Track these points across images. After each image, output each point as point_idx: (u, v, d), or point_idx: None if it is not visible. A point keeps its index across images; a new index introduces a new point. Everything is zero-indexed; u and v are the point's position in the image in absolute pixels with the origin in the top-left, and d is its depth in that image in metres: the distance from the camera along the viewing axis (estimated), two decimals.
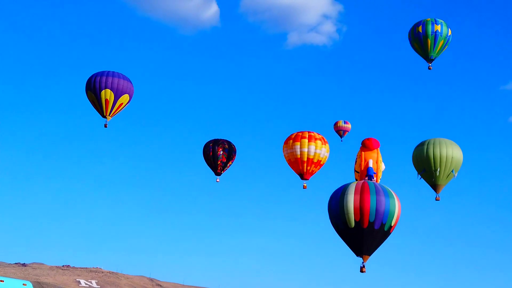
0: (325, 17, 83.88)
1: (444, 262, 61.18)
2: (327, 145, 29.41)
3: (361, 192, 19.09)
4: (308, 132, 29.37)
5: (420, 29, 30.19)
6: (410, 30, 31.06)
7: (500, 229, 62.28)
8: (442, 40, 30.27)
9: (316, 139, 29.13)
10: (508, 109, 73.48)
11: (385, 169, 21.87)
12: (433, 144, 27.29)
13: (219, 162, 33.84)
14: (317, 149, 28.99)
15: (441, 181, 27.51)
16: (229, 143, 34.27)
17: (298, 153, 29.09)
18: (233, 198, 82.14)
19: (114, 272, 71.50)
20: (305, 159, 29.11)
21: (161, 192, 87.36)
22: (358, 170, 21.57)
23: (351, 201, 19.05)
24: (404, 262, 61.53)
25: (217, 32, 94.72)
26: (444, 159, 27.00)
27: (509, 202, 63.97)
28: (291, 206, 75.22)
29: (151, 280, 72.89)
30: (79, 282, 65.16)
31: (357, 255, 20.00)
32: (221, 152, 33.65)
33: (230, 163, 34.25)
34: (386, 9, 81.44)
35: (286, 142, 30.07)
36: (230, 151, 34.04)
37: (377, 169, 21.49)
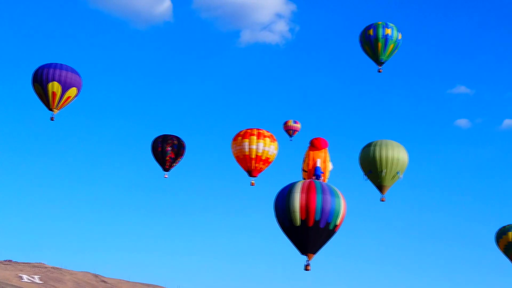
0: (278, 16, 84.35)
1: (387, 262, 62.41)
2: (275, 142, 29.46)
3: (308, 191, 19.16)
4: (257, 129, 29.36)
5: (371, 32, 30.60)
6: (361, 33, 31.42)
7: (442, 230, 63.85)
8: (393, 44, 30.75)
9: (265, 136, 29.15)
10: (455, 113, 75.56)
11: (332, 169, 21.99)
12: (380, 145, 27.67)
13: (167, 158, 33.52)
14: (266, 146, 29.02)
15: (387, 182, 27.92)
16: (178, 139, 33.99)
17: (247, 150, 29.06)
18: (181, 194, 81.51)
19: (57, 268, 69.86)
20: (254, 156, 29.10)
21: (107, 188, 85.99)
22: (306, 169, 21.62)
23: (297, 199, 19.09)
24: (349, 261, 62.55)
25: (169, 27, 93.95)
26: (390, 161, 27.41)
27: (452, 203, 65.73)
28: (238, 203, 75.28)
29: (96, 276, 71.58)
30: (21, 277, 63.39)
31: (302, 253, 20.11)
32: (170, 148, 33.36)
33: (178, 159, 33.99)
34: (338, 10, 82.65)
35: (235, 139, 29.98)
36: (179, 147, 33.75)
37: (324, 169, 21.58)
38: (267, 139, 29.15)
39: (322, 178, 21.22)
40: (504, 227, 34.62)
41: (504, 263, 34.61)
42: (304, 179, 20.83)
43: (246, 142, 29.08)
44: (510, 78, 72.99)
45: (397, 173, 27.69)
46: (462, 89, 72.57)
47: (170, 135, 34.13)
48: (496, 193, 66.30)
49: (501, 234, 34.45)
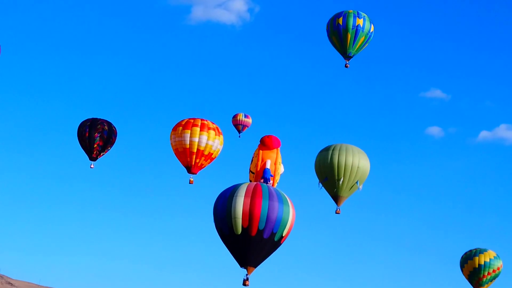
0: None
1: (339, 283, 63.11)
2: (221, 136, 29.40)
3: (252, 195, 19.02)
4: (201, 119, 29.18)
5: (340, 21, 30.89)
6: (329, 21, 31.65)
7: (404, 251, 65.04)
8: (363, 36, 31.15)
9: (209, 128, 29.00)
10: (427, 119, 76.90)
11: (284, 172, 22.11)
12: (339, 150, 27.94)
13: (95, 146, 33.20)
14: (210, 140, 28.92)
15: (344, 192, 28.26)
16: (109, 124, 33.71)
17: (187, 142, 28.89)
18: (108, 188, 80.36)
19: None
20: (195, 150, 28.96)
21: (22, 177, 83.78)
22: (254, 171, 21.64)
23: (240, 204, 18.97)
24: (294, 278, 62.97)
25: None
26: (349, 168, 27.73)
27: (416, 221, 67.02)
28: (173, 203, 74.65)
29: (1, 277, 70.60)
30: None
31: (241, 266, 20.02)
32: (99, 134, 33.07)
33: (108, 147, 33.73)
34: None
35: (174, 129, 29.70)
36: (110, 134, 33.51)
37: (274, 172, 21.68)
38: (212, 132, 29.04)
39: (271, 181, 21.30)
40: (470, 251, 35.66)
41: None
42: (250, 181, 20.85)
43: (187, 133, 28.90)
44: (490, 85, 74.96)
45: (356, 183, 28.06)
46: (437, 93, 74.32)
47: (100, 119, 33.71)
48: (465, 212, 68.07)
49: (466, 259, 35.50)
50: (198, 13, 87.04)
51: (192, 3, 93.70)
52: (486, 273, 34.96)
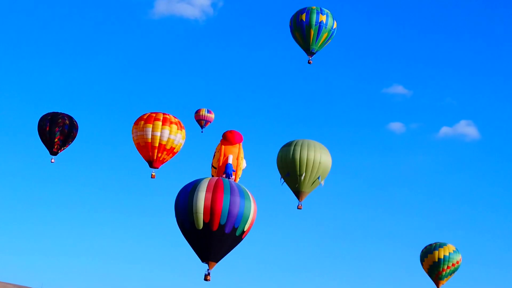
0: None
1: (299, 277, 63.28)
2: (183, 131, 29.24)
3: (214, 190, 18.97)
4: (163, 114, 28.99)
5: (303, 17, 30.97)
6: (292, 17, 31.75)
7: (365, 245, 65.50)
8: (326, 33, 31.26)
9: (171, 122, 28.80)
10: (389, 115, 77.30)
11: (246, 167, 22.12)
12: (301, 145, 28.05)
13: (56, 140, 32.86)
14: (172, 134, 28.76)
15: (306, 187, 28.38)
16: (70, 118, 33.41)
17: (149, 137, 28.70)
18: (69, 183, 79.08)
19: None
20: (157, 145, 28.79)
21: None
22: (216, 166, 21.59)
23: (201, 199, 18.89)
24: (255, 272, 62.93)
25: None
26: (311, 164, 27.86)
27: (377, 216, 67.57)
28: (135, 197, 73.86)
29: None
30: None
31: (202, 261, 19.97)
32: (60, 129, 32.75)
33: (69, 142, 33.42)
34: None
35: (136, 123, 29.42)
36: (71, 128, 33.20)
37: (237, 167, 21.68)
38: (174, 126, 28.87)
39: (233, 176, 21.29)
40: (430, 245, 36.11)
41: (428, 284, 36.18)
42: (213, 176, 20.80)
43: (149, 127, 28.71)
44: (451, 82, 75.88)
45: (318, 178, 28.20)
46: (399, 89, 74.76)
47: (61, 113, 33.35)
48: (426, 207, 68.87)
49: (426, 253, 35.93)
50: (161, 8, 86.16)
51: None
52: (445, 267, 35.38)
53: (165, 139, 28.77)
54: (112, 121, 76.12)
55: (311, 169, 27.85)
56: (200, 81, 79.44)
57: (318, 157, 27.94)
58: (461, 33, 77.88)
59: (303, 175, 27.83)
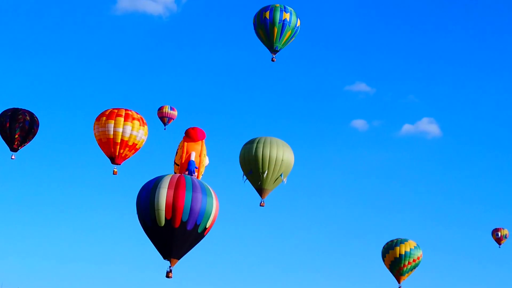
0: None
1: (260, 273, 63.38)
2: (145, 127, 29.07)
3: (176, 187, 18.88)
4: (125, 110, 28.74)
5: (267, 15, 30.98)
6: (256, 15, 31.68)
7: (328, 241, 65.90)
8: (290, 31, 31.32)
9: (134, 118, 28.60)
10: (352, 112, 77.85)
11: (208, 164, 22.08)
12: (264, 143, 28.08)
13: (16, 136, 32.46)
14: (134, 130, 28.58)
15: (268, 185, 28.44)
16: (31, 114, 33.05)
17: (111, 133, 28.47)
18: (30, 180, 77.92)
19: None
20: (118, 141, 28.57)
21: None
22: (178, 163, 21.50)
23: (163, 196, 18.80)
24: (217, 269, 62.86)
25: None
26: (273, 161, 27.91)
27: (340, 212, 68.04)
28: (97, 193, 73.01)
29: None
30: None
31: (164, 258, 19.87)
32: (20, 125, 32.39)
33: (30, 138, 33.05)
34: None
35: (98, 119, 29.12)
36: (32, 124, 32.85)
37: (199, 164, 21.62)
38: (136, 122, 28.68)
39: (195, 173, 21.24)
40: (391, 241, 36.50)
41: (389, 280, 36.59)
42: (175, 173, 20.71)
43: (111, 123, 28.46)
44: (413, 80, 76.80)
45: (281, 175, 28.28)
46: (362, 86, 75.32)
47: (22, 109, 32.94)
48: (387, 203, 69.62)
49: (387, 249, 36.31)
50: (124, 3, 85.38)
51: None
52: (406, 263, 35.75)
53: (127, 135, 28.56)
54: (73, 117, 75.20)
55: (273, 166, 27.89)
56: (163, 77, 79.00)
57: (280, 154, 28.00)
58: (423, 31, 78.90)
59: (266, 172, 27.87)
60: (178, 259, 19.98)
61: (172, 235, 19.19)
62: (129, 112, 28.74)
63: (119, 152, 28.84)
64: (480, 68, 76.31)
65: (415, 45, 78.34)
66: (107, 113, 28.80)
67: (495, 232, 49.46)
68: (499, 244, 49.37)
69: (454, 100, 75.20)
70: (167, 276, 20.01)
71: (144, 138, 29.13)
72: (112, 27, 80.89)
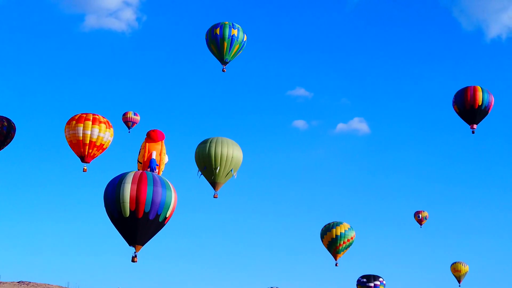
0: (126, 3, 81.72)
1: (215, 254, 63.47)
2: (111, 129, 28.62)
3: (139, 182, 18.71)
4: (93, 114, 28.22)
5: (217, 31, 30.78)
6: (207, 31, 31.41)
7: (274, 228, 66.33)
8: (238, 45, 31.20)
9: (100, 122, 28.11)
10: (293, 114, 78.79)
11: (168, 162, 21.89)
12: (216, 142, 28.00)
13: None
14: (101, 132, 28.13)
15: (220, 179, 28.33)
16: (8, 120, 32.16)
17: (81, 135, 27.98)
18: (9, 179, 76.22)
19: None
20: (87, 142, 28.08)
21: None
22: (141, 161, 21.28)
23: (127, 190, 18.58)
24: (177, 253, 62.63)
25: (7, 6, 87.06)
26: (224, 158, 27.83)
27: (284, 202, 68.52)
28: (69, 189, 71.85)
29: None
30: None
31: (129, 245, 19.63)
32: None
33: (8, 141, 32.14)
34: (187, 5, 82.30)
35: (68, 123, 28.50)
36: (9, 129, 31.91)
37: (160, 161, 21.42)
38: (103, 125, 28.21)
39: (156, 170, 21.04)
40: (328, 224, 36.83)
41: (327, 257, 36.92)
42: (138, 170, 20.45)
43: (80, 127, 27.95)
44: (345, 84, 77.97)
45: (231, 171, 28.23)
46: (301, 91, 76.08)
47: (0, 116, 32.11)
48: (325, 191, 70.45)
49: (325, 231, 36.62)
50: (91, 21, 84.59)
51: (86, 12, 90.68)
52: (342, 242, 36.11)
53: (95, 136, 28.08)
54: (46, 122, 73.78)
55: (224, 163, 27.82)
56: (127, 86, 78.26)
57: (230, 152, 27.94)
58: (353, 41, 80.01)
59: (218, 168, 27.77)
60: (142, 245, 19.77)
61: (136, 224, 18.98)
62: (96, 116, 28.23)
63: (88, 152, 28.31)
64: (403, 74, 77.90)
65: (346, 55, 79.49)
66: (76, 117, 28.25)
67: (416, 214, 50.27)
68: (421, 224, 50.21)
69: (381, 102, 76.74)
70: (133, 261, 19.80)
71: (110, 139, 28.66)
72: (81, 42, 79.74)
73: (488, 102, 31.94)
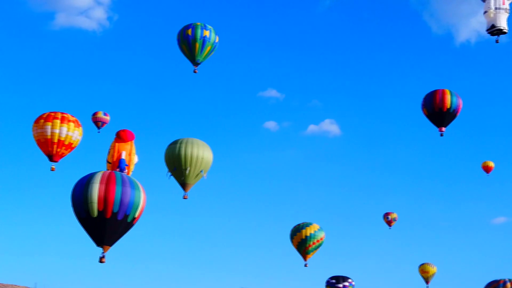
0: (97, 2, 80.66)
1: (185, 255, 63.26)
2: (80, 128, 28.32)
3: (107, 182, 18.58)
4: (61, 113, 27.92)
5: (189, 32, 30.60)
6: (179, 32, 31.16)
7: (243, 229, 66.34)
8: (210, 46, 31.06)
9: (69, 121, 27.77)
10: (264, 115, 78.83)
11: (137, 162, 21.80)
12: (186, 143, 27.86)
13: None
14: (69, 131, 27.79)
15: (190, 180, 28.21)
16: None
17: (49, 133, 27.67)
18: None
19: None
20: (56, 141, 27.75)
21: None
22: (110, 161, 21.19)
23: (95, 190, 18.46)
24: (146, 254, 62.27)
25: None
26: (194, 159, 27.75)
27: (254, 203, 68.65)
28: (37, 188, 70.72)
29: None
30: None
31: (97, 245, 19.53)
32: None
33: None
34: (159, 5, 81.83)
35: (36, 121, 28.03)
36: None
37: (129, 162, 21.34)
38: (72, 124, 27.88)
39: (126, 170, 20.95)
40: (298, 225, 36.92)
41: (297, 258, 37.02)
42: (108, 170, 20.31)
43: (49, 125, 27.59)
44: (316, 87, 78.40)
45: (201, 172, 28.15)
46: (273, 92, 76.12)
47: None
48: (296, 193, 70.74)
49: (295, 232, 36.70)
50: (61, 20, 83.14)
51: (56, 10, 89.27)
52: (311, 243, 36.14)
53: (63, 135, 27.74)
54: (14, 121, 72.65)
55: (194, 163, 27.70)
56: (97, 86, 77.47)
57: (200, 153, 27.82)
58: (324, 43, 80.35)
59: (188, 169, 27.65)
60: (110, 246, 19.67)
61: (104, 224, 18.87)
62: (65, 115, 27.86)
63: (56, 151, 27.96)
64: (374, 76, 78.55)
65: (318, 57, 79.82)
66: (45, 116, 27.86)
67: (386, 215, 50.68)
68: (390, 226, 50.64)
69: (351, 104, 77.15)
70: (100, 261, 19.70)
71: (79, 138, 28.35)
72: (51, 41, 78.67)
73: (456, 106, 32.31)
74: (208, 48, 30.98)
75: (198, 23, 30.72)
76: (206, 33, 30.64)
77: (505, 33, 26.05)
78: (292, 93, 77.07)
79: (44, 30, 79.28)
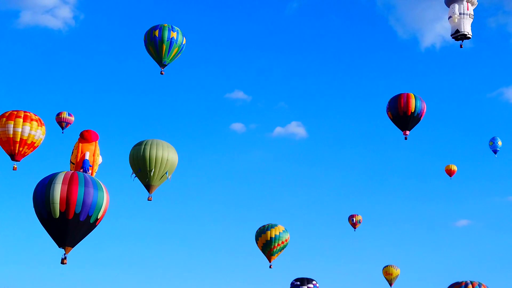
0: (63, 1, 79.69)
1: (148, 258, 62.80)
2: (43, 127, 27.95)
3: (69, 183, 18.44)
4: (24, 111, 27.52)
5: (156, 33, 30.42)
6: (146, 33, 30.90)
7: (208, 231, 66.25)
8: (177, 48, 30.92)
9: (32, 119, 27.39)
10: (231, 117, 78.85)
11: (101, 163, 21.64)
12: (151, 145, 27.72)
13: None
14: (32, 130, 27.42)
15: (155, 182, 28.07)
16: None
17: (11, 132, 27.21)
18: None
19: None
20: (18, 140, 27.32)
21: None
22: (74, 162, 21.00)
23: (57, 190, 18.30)
24: (109, 256, 61.62)
25: None
26: (159, 161, 27.62)
27: (220, 205, 68.57)
28: None
29: None
30: None
31: (59, 246, 19.37)
32: None
33: None
34: (126, 5, 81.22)
35: None
36: None
37: (93, 162, 21.18)
38: (34, 123, 27.51)
39: (90, 171, 20.79)
40: (263, 226, 37.01)
41: (261, 259, 37.16)
42: (71, 171, 20.13)
43: (11, 124, 27.15)
44: (283, 89, 78.77)
45: (166, 173, 28.05)
46: (240, 94, 76.20)
47: None
48: (261, 195, 70.96)
49: (260, 233, 36.78)
50: (26, 18, 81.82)
51: (21, 9, 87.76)
52: (276, 244, 36.18)
53: (26, 134, 27.33)
54: None
55: (159, 165, 27.59)
56: (62, 86, 76.48)
57: (165, 155, 27.71)
58: (292, 46, 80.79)
59: (152, 170, 27.54)
60: (72, 247, 19.52)
61: (66, 225, 18.72)
62: (28, 114, 27.44)
63: (18, 149, 27.54)
64: (340, 79, 79.28)
65: (285, 59, 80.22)
66: (7, 114, 27.38)
67: (351, 218, 51.09)
68: (354, 228, 51.07)
69: (318, 106, 77.68)
70: (62, 263, 19.54)
71: (42, 137, 27.97)
72: (15, 39, 77.41)
73: (421, 109, 32.79)
74: (175, 50, 30.85)
75: (166, 24, 30.55)
76: (173, 34, 30.50)
77: (469, 38, 26.57)
78: (259, 95, 77.37)
79: (8, 29, 77.97)
